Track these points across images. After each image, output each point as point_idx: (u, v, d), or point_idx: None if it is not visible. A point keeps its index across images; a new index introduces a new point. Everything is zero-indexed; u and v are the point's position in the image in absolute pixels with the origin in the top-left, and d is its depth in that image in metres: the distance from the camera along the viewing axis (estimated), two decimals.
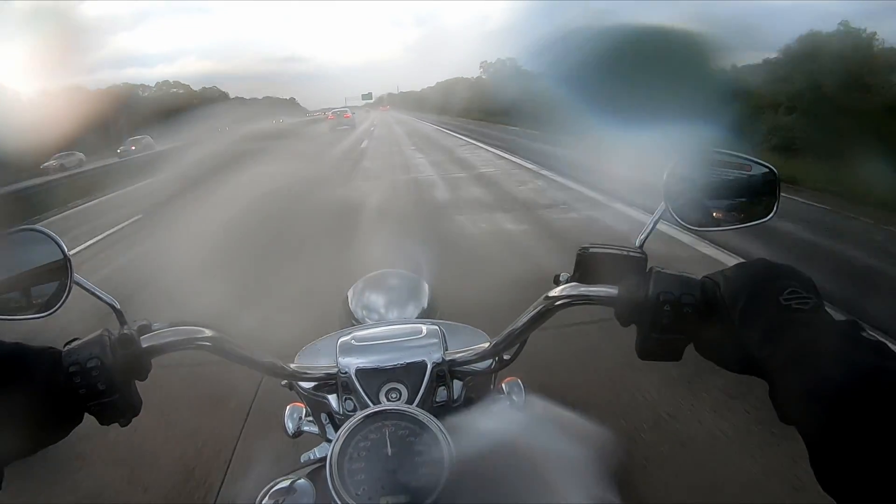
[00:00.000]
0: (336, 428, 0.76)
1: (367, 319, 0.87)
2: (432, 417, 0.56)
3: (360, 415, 0.58)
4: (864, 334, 0.46)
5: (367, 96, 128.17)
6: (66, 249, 0.61)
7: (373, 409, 0.58)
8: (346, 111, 30.85)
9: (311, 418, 0.86)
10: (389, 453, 0.55)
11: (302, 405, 0.88)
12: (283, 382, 0.77)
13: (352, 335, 0.72)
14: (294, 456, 0.85)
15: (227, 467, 2.12)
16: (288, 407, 0.89)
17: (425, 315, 0.87)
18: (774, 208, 0.64)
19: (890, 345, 0.46)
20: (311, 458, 0.82)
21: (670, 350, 0.56)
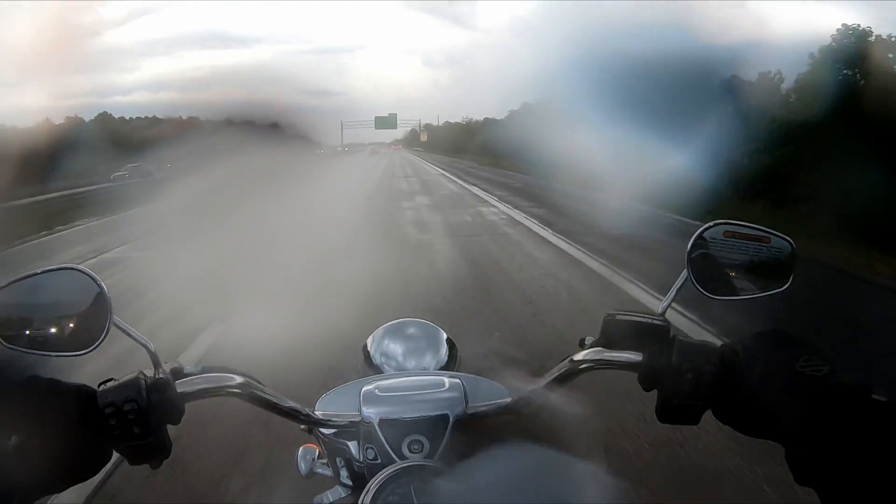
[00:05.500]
0: (352, 473, 0.76)
1: (386, 367, 0.89)
2: (460, 473, 0.58)
3: (392, 469, 0.59)
4: (877, 398, 0.50)
5: (387, 122, 67.91)
6: (105, 289, 0.63)
7: (403, 464, 0.59)
8: (377, 146, 49.21)
9: (323, 460, 0.86)
10: None
11: (315, 447, 0.89)
12: (303, 427, 0.78)
13: (375, 385, 0.73)
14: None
15: None
16: (301, 448, 0.90)
17: (443, 366, 0.89)
18: (791, 279, 0.67)
19: None
20: (325, 500, 0.82)
21: (690, 414, 0.59)
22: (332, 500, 0.83)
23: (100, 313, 0.62)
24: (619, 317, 0.63)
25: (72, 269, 0.63)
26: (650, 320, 0.62)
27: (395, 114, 70.76)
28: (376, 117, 67.34)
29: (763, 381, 0.55)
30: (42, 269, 0.62)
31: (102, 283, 0.63)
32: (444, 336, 0.93)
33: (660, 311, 0.64)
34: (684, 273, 0.65)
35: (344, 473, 0.78)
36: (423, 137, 69.72)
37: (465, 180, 18.53)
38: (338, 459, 0.78)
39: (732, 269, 0.66)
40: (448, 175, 22.08)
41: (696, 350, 0.58)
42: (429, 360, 0.89)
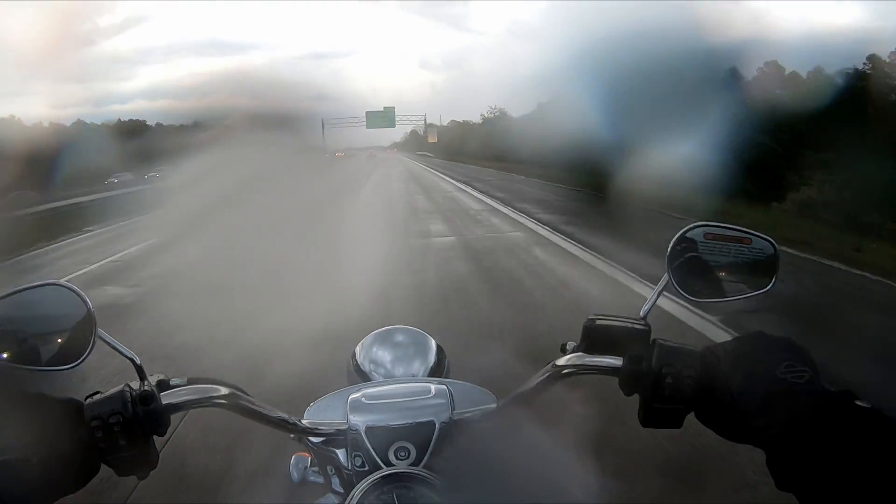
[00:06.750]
0: (342, 480, 0.77)
1: (374, 375, 0.89)
2: (441, 480, 0.58)
3: (372, 477, 0.59)
4: (859, 403, 0.49)
5: (382, 118, 48.95)
6: (90, 304, 0.63)
7: (385, 471, 0.60)
8: (374, 151, 43.20)
9: (316, 468, 0.87)
10: None
11: (307, 455, 0.89)
12: (292, 436, 0.78)
13: (362, 392, 0.73)
14: None
15: None
16: (294, 456, 0.90)
17: (432, 372, 0.89)
18: (773, 279, 0.67)
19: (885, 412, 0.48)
20: None
21: (671, 418, 0.59)
22: None
23: (85, 327, 0.63)
24: (598, 321, 0.63)
25: (57, 284, 0.64)
26: (630, 324, 0.62)
27: (393, 107, 51.02)
28: (367, 113, 47.96)
29: (744, 388, 0.54)
30: (26, 285, 0.63)
31: (87, 298, 0.63)
32: (433, 343, 0.93)
33: (641, 314, 0.64)
34: (665, 277, 0.65)
35: (335, 481, 0.79)
36: (433, 138, 51.83)
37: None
38: (328, 467, 0.79)
39: (715, 272, 0.66)
40: None
41: (677, 354, 0.58)
42: (417, 367, 0.89)
